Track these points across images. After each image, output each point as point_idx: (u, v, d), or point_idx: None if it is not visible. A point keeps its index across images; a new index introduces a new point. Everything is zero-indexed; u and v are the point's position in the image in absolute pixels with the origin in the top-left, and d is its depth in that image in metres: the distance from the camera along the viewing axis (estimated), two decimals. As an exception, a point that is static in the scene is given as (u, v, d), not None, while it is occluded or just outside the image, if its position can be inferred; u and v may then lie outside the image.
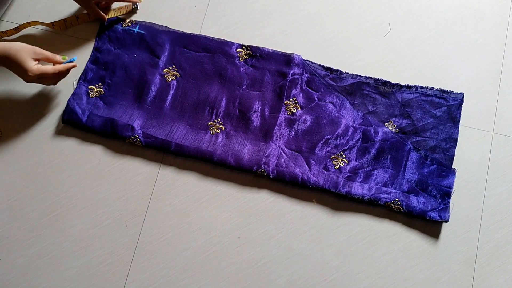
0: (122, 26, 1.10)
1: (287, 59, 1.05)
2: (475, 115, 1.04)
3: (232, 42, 1.08)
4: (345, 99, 1.04)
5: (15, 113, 1.04)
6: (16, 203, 0.99)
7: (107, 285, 0.95)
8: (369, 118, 1.03)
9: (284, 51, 1.07)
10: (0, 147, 1.02)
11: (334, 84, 1.05)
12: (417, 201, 0.96)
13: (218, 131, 1.02)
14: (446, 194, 0.97)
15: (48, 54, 0.97)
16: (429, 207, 0.96)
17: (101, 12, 1.07)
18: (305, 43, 1.10)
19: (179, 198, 1.00)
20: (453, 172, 0.99)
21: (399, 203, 0.95)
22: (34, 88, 1.05)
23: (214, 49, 1.08)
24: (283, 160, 0.99)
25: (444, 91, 1.04)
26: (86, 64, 1.07)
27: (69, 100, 1.03)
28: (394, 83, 1.05)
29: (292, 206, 0.99)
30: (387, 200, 0.96)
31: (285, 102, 1.03)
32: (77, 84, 1.05)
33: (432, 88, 1.04)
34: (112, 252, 0.97)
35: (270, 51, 1.07)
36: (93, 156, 1.02)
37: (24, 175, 1.01)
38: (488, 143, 1.03)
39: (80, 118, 1.01)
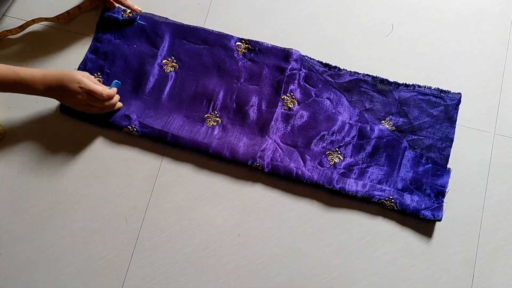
0: (123, 16, 1.09)
1: (285, 54, 1.05)
2: (476, 115, 1.04)
3: (231, 35, 1.08)
4: (342, 95, 1.03)
5: (14, 104, 1.04)
6: (17, 198, 0.99)
7: (106, 281, 0.95)
8: (366, 115, 1.02)
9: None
10: (0, 141, 1.03)
11: (332, 80, 1.05)
12: (411, 199, 0.96)
13: (215, 123, 1.02)
14: (440, 193, 0.97)
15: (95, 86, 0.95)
16: (423, 206, 0.96)
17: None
18: (307, 42, 1.10)
19: (179, 195, 1.00)
20: (448, 171, 0.99)
21: (393, 200, 0.96)
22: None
23: (213, 42, 1.07)
24: (278, 154, 0.99)
25: (441, 91, 1.03)
26: (86, 54, 1.07)
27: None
28: (392, 81, 1.04)
29: (292, 204, 0.99)
30: (381, 198, 0.96)
31: (282, 97, 1.03)
32: (78, 67, 1.06)
33: (430, 87, 1.04)
34: (112, 248, 0.97)
35: (269, 45, 1.06)
36: (93, 151, 1.02)
37: (24, 170, 1.01)
38: (489, 144, 1.03)
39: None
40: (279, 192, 0.99)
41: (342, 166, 0.99)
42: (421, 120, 1.02)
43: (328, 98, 1.03)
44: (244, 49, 1.07)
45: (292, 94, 1.03)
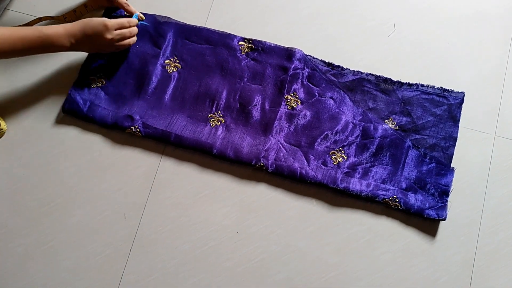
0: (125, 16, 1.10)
1: (288, 54, 1.05)
2: (477, 117, 1.04)
3: (234, 35, 1.08)
4: (346, 95, 1.03)
5: (16, 101, 1.04)
6: (15, 192, 0.99)
7: (104, 276, 0.95)
8: (369, 114, 1.02)
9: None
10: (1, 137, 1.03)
11: (335, 80, 1.05)
12: (415, 199, 0.96)
13: (218, 123, 1.02)
14: (444, 193, 0.97)
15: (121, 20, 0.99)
16: (427, 205, 0.96)
17: None
18: (309, 41, 1.10)
19: (178, 191, 1.00)
20: (451, 170, 0.99)
21: (397, 200, 0.95)
22: (35, 77, 1.05)
23: (216, 42, 1.07)
24: (282, 154, 0.99)
25: (445, 90, 1.04)
26: (88, 54, 1.07)
27: (70, 89, 1.03)
28: (395, 80, 1.04)
29: (292, 203, 0.99)
30: (385, 197, 0.96)
31: (286, 96, 1.03)
32: (78, 74, 1.05)
33: (433, 87, 1.04)
34: (110, 243, 0.97)
35: (272, 45, 1.06)
36: (93, 146, 1.02)
37: (24, 164, 1.01)
38: (490, 146, 1.03)
39: (81, 108, 1.01)
40: (280, 191, 0.99)
41: (346, 166, 0.99)
42: (424, 119, 1.02)
43: (331, 98, 1.03)
44: (247, 48, 1.07)
45: (295, 93, 1.03)
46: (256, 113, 1.02)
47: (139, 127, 1.00)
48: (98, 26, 0.93)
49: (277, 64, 1.05)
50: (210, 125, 1.02)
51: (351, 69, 1.06)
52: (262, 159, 0.98)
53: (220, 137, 1.00)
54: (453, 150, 1.00)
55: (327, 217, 0.98)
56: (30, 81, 1.05)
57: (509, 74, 1.07)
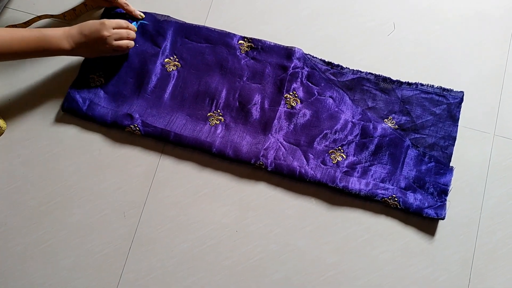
0: (125, 16, 1.09)
1: (288, 53, 1.05)
2: (476, 116, 1.04)
3: (233, 33, 1.08)
4: (345, 94, 1.04)
5: (16, 100, 1.04)
6: (15, 190, 0.99)
7: (104, 274, 0.95)
8: (369, 113, 1.03)
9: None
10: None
11: (335, 79, 1.05)
12: (414, 198, 0.96)
13: (218, 122, 1.02)
14: (443, 192, 0.97)
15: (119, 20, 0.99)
16: (426, 204, 0.96)
17: None
18: (309, 40, 1.10)
19: (178, 190, 1.00)
20: (450, 170, 0.99)
21: (396, 199, 0.96)
22: (35, 75, 1.05)
23: (216, 40, 1.07)
24: (281, 153, 0.99)
25: (444, 89, 1.04)
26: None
27: (70, 88, 1.03)
28: (395, 79, 1.04)
29: (291, 202, 0.99)
30: (384, 196, 0.96)
31: (285, 95, 1.03)
32: (78, 73, 1.05)
33: (433, 86, 1.04)
34: (110, 242, 0.97)
35: (272, 44, 1.06)
36: (93, 145, 1.02)
37: (24, 162, 1.01)
38: (489, 145, 1.03)
39: (81, 107, 1.01)
40: (279, 190, 1.00)
41: (345, 165, 0.99)
42: (423, 118, 1.02)
43: (330, 97, 1.03)
44: (246, 47, 1.07)
45: (294, 92, 1.03)
46: (255, 112, 1.02)
47: (139, 126, 1.00)
48: (94, 24, 0.93)
49: (277, 63, 1.05)
50: (210, 124, 1.02)
51: (350, 68, 1.06)
52: (261, 158, 0.98)
53: (219, 136, 1.00)
54: (452, 150, 1.00)
55: (326, 216, 0.98)
56: (29, 80, 1.05)
57: (508, 74, 1.07)
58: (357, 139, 1.01)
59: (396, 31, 1.11)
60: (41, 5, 1.11)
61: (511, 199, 1.00)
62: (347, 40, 1.10)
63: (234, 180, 1.00)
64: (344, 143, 1.01)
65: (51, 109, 1.04)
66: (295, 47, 1.05)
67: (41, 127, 1.03)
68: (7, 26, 1.06)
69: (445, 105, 1.03)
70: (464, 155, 1.02)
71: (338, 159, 1.00)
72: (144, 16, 1.08)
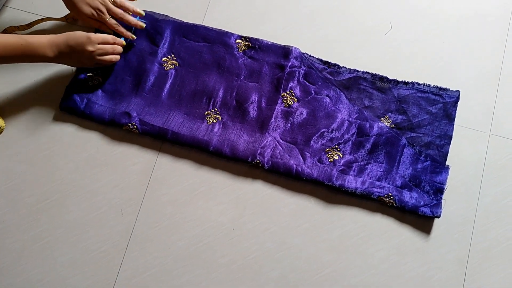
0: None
1: (285, 52, 1.06)
2: (472, 115, 1.05)
3: (231, 33, 1.08)
4: (342, 93, 1.04)
5: (14, 99, 1.04)
6: (13, 188, 1.00)
7: (101, 272, 0.96)
8: (365, 112, 1.03)
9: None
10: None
11: (332, 78, 1.05)
12: (410, 196, 0.97)
13: (215, 120, 1.02)
14: (439, 190, 0.98)
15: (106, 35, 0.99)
16: (422, 203, 0.96)
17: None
18: (307, 40, 1.10)
19: (175, 188, 1.00)
20: (446, 168, 0.99)
21: (392, 197, 0.96)
22: (33, 74, 1.06)
23: (214, 39, 1.08)
24: (278, 151, 1.00)
25: (440, 88, 1.04)
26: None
27: (67, 87, 1.03)
28: (391, 78, 1.05)
29: (288, 200, 0.99)
30: (380, 194, 0.96)
31: (282, 94, 1.03)
32: (76, 72, 1.05)
33: (429, 85, 1.05)
34: (107, 239, 0.98)
35: (269, 43, 1.07)
36: (91, 143, 1.02)
37: (22, 160, 1.01)
38: (485, 144, 1.03)
39: (78, 105, 1.02)
40: (276, 188, 1.00)
41: (341, 163, 0.99)
42: (420, 117, 1.03)
43: (327, 96, 1.04)
44: (244, 46, 1.08)
45: (291, 91, 1.04)
46: (252, 111, 1.03)
47: (136, 124, 1.00)
48: (81, 37, 0.94)
49: (274, 62, 1.06)
50: (207, 122, 1.02)
51: (347, 67, 1.06)
52: (258, 156, 0.98)
53: (216, 134, 1.01)
54: (448, 148, 1.01)
55: (322, 214, 0.98)
56: (28, 79, 1.05)
57: (504, 74, 1.08)
58: (354, 137, 1.01)
59: (393, 30, 1.11)
60: (40, 4, 1.12)
61: (506, 198, 1.00)
62: (344, 39, 1.11)
63: (231, 178, 1.00)
64: (340, 141, 1.01)
65: (50, 107, 1.04)
66: (292, 46, 1.06)
67: (39, 125, 1.03)
68: (9, 27, 1.07)
69: (441, 104, 1.03)
70: (460, 154, 1.02)
71: (335, 157, 1.00)
72: (144, 13, 1.07)
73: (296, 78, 1.04)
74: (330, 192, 0.99)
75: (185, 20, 1.10)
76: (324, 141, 1.01)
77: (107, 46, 0.98)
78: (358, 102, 1.04)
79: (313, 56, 1.07)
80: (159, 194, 1.00)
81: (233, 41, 1.08)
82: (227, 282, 0.95)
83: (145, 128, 1.00)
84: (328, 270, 0.96)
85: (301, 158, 0.99)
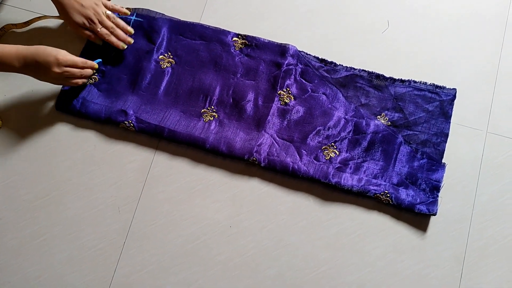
0: (119, 14, 1.10)
1: (282, 50, 1.06)
2: (469, 113, 1.05)
3: (228, 31, 1.08)
4: (338, 91, 1.04)
5: (11, 98, 1.04)
6: (10, 185, 1.00)
7: (98, 269, 0.96)
8: (361, 110, 1.03)
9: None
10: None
11: (328, 76, 1.05)
12: (406, 194, 0.97)
13: (212, 118, 1.03)
14: (435, 188, 0.98)
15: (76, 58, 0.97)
16: (418, 200, 0.96)
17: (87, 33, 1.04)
18: (303, 37, 1.10)
19: (172, 186, 1.00)
20: (443, 166, 0.99)
21: (388, 195, 0.96)
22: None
23: (210, 37, 1.08)
24: (274, 149, 1.00)
25: (437, 86, 1.04)
26: (81, 51, 1.07)
27: (63, 87, 1.03)
28: (388, 76, 1.05)
29: (284, 198, 0.99)
30: (377, 192, 0.97)
31: (279, 92, 1.03)
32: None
33: (425, 83, 1.05)
34: (104, 236, 0.98)
35: (266, 41, 1.07)
36: (88, 141, 1.03)
37: (19, 158, 1.01)
38: (481, 142, 1.03)
39: (74, 105, 1.02)
40: (272, 186, 1.00)
41: (337, 161, 1.00)
42: (416, 115, 1.03)
43: (324, 93, 1.04)
44: (241, 44, 1.08)
45: (288, 89, 1.04)
46: (249, 109, 1.03)
47: (133, 122, 1.00)
48: (49, 56, 0.92)
49: (271, 60, 1.06)
50: (204, 120, 1.02)
51: (344, 65, 1.06)
52: (254, 153, 0.98)
53: (213, 132, 1.01)
54: (445, 146, 1.01)
55: (318, 212, 0.98)
56: (24, 78, 1.05)
57: (501, 72, 1.08)
58: (350, 135, 1.01)
59: (390, 28, 1.11)
60: (38, 2, 1.12)
61: (503, 196, 1.00)
62: (341, 37, 1.11)
63: (228, 176, 1.01)
64: (337, 139, 1.01)
65: (47, 105, 1.04)
66: (289, 44, 1.06)
67: (36, 124, 1.03)
68: (7, 25, 1.07)
69: (438, 102, 1.03)
70: (457, 152, 1.02)
71: (331, 155, 1.00)
72: (129, 12, 1.08)
73: (292, 76, 1.05)
74: (327, 189, 0.99)
75: (183, 19, 1.10)
76: (320, 139, 1.01)
77: (75, 70, 0.96)
78: (355, 100, 1.04)
79: (309, 54, 1.07)
80: (156, 192, 1.00)
81: (230, 39, 1.08)
82: (224, 280, 0.95)
83: (142, 126, 1.00)
84: (324, 267, 0.96)
85: (298, 156, 1.00)
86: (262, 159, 0.98)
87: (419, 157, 1.00)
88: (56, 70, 0.92)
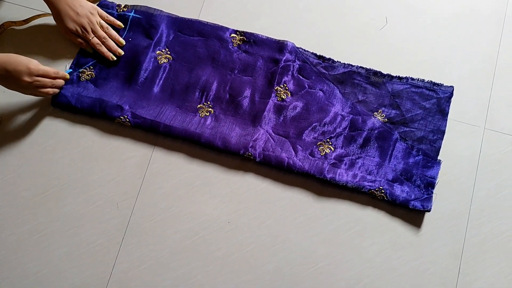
0: (117, 11, 1.10)
1: (280, 46, 1.06)
2: (467, 110, 1.05)
3: (226, 27, 1.09)
4: (336, 87, 1.04)
5: (9, 95, 1.04)
6: (9, 182, 1.00)
7: (97, 265, 0.96)
8: (358, 107, 1.03)
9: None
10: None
11: (326, 72, 1.05)
12: (401, 190, 0.97)
13: (207, 114, 1.03)
14: (430, 185, 0.98)
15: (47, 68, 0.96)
16: (413, 197, 0.96)
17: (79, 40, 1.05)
18: (301, 34, 1.10)
19: (170, 182, 1.01)
20: (438, 163, 0.99)
21: (383, 191, 0.96)
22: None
23: (208, 34, 1.08)
24: (270, 144, 1.00)
25: (434, 84, 1.04)
26: (80, 48, 1.08)
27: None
28: (385, 73, 1.05)
29: (283, 194, 1.00)
30: (371, 188, 0.97)
31: (276, 88, 1.04)
32: (69, 67, 1.06)
33: (423, 80, 1.04)
34: (103, 232, 0.98)
35: (264, 37, 1.07)
36: (86, 137, 1.03)
37: (17, 154, 1.02)
38: (479, 138, 1.03)
39: (69, 101, 1.02)
40: (269, 182, 1.00)
41: (332, 157, 1.00)
42: (413, 112, 1.03)
43: (321, 90, 1.04)
44: (239, 40, 1.08)
45: (285, 85, 1.04)
46: (245, 104, 1.03)
47: (128, 117, 1.00)
48: (20, 65, 0.91)
49: (269, 56, 1.06)
50: (199, 116, 1.02)
51: (341, 62, 1.06)
52: (250, 149, 0.99)
53: (208, 127, 1.01)
54: (441, 143, 1.01)
55: (315, 208, 0.99)
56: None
57: (498, 68, 1.08)
58: (346, 132, 1.01)
59: (388, 25, 1.11)
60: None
61: (501, 192, 1.00)
62: (339, 34, 1.11)
63: (224, 172, 1.01)
64: (332, 135, 1.01)
65: (44, 101, 1.05)
66: (287, 41, 1.06)
67: (34, 120, 1.04)
68: (6, 22, 1.07)
69: (435, 100, 1.03)
70: (455, 148, 1.02)
71: (326, 151, 1.00)
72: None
73: (290, 72, 1.05)
74: (322, 185, 1.00)
75: (180, 15, 1.10)
76: (316, 135, 1.01)
77: (46, 80, 0.96)
78: (352, 96, 1.04)
79: (307, 51, 1.07)
80: (154, 188, 1.00)
81: (228, 36, 1.08)
82: (222, 275, 0.96)
83: (137, 121, 1.01)
84: (323, 263, 0.96)
85: (293, 151, 1.00)
86: (257, 154, 0.99)
87: (415, 153, 1.00)
88: (27, 79, 0.91)
